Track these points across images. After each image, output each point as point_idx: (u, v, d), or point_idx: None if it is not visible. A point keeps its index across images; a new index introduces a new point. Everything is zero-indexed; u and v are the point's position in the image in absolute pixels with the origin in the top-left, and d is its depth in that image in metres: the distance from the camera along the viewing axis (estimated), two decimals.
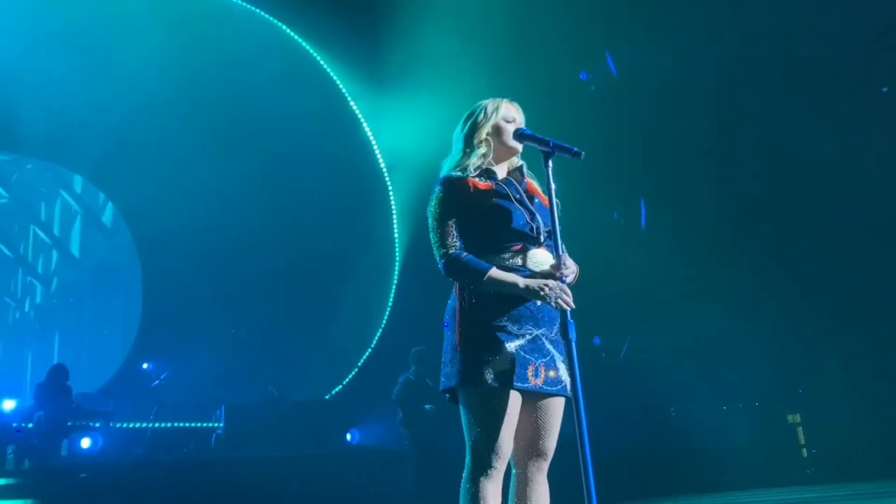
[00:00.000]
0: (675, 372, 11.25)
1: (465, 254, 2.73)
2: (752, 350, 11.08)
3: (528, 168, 3.06)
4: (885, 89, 11.19)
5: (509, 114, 2.95)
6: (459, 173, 2.87)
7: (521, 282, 2.68)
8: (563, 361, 2.76)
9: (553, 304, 2.64)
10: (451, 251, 2.74)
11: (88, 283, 18.01)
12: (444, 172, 2.91)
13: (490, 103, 2.96)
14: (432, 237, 2.81)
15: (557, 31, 11.58)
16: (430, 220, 2.84)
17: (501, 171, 2.95)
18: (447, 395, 2.84)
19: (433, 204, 2.83)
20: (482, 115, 2.93)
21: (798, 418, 11.98)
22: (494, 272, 2.68)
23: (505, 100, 2.99)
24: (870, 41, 10.71)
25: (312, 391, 11.61)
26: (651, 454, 10.98)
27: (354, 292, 12.19)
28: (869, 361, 10.94)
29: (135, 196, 12.75)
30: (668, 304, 11.14)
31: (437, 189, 2.84)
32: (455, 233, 2.76)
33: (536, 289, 2.65)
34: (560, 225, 2.72)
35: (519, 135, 2.90)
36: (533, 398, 2.74)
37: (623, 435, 10.91)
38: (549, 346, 2.75)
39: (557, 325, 2.77)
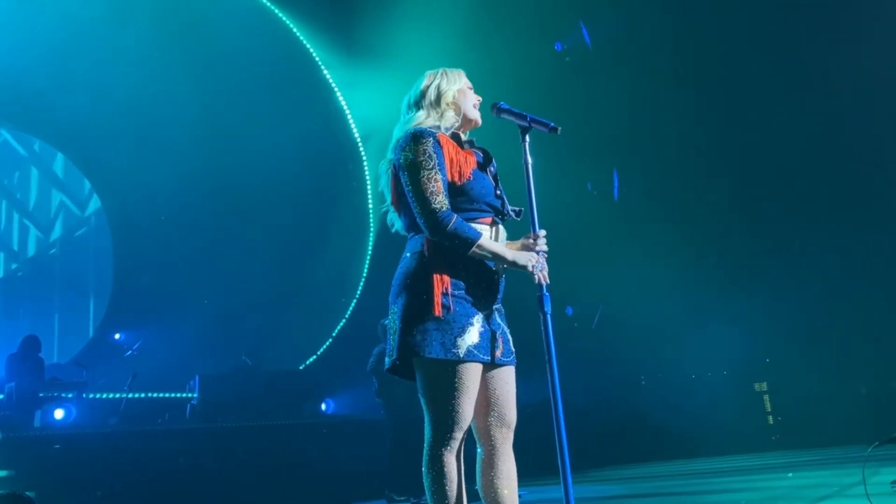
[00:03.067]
0: (645, 341, 11.43)
1: (455, 215, 2.61)
2: (721, 320, 11.27)
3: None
4: None
5: (469, 82, 2.91)
6: (433, 130, 2.74)
7: (510, 254, 2.68)
8: (509, 333, 2.80)
9: (536, 277, 2.67)
10: (443, 210, 2.60)
11: (59, 252, 17.79)
12: (404, 132, 2.75)
13: (449, 70, 2.89)
14: (413, 191, 2.63)
15: (533, 1, 11.54)
16: (408, 174, 2.65)
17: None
18: (397, 364, 2.68)
19: (412, 156, 2.65)
20: (445, 80, 2.85)
21: (765, 386, 12.27)
22: (485, 240, 2.63)
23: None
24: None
25: (287, 361, 11.63)
26: (621, 422, 11.20)
27: (329, 263, 12.20)
28: (833, 332, 11.19)
29: (106, 165, 12.58)
30: (640, 275, 11.27)
31: (415, 141, 2.66)
32: (443, 190, 2.62)
33: (525, 262, 2.67)
34: (535, 199, 2.73)
35: (497, 109, 2.86)
36: (487, 369, 2.71)
37: (594, 403, 11.11)
38: (499, 320, 2.77)
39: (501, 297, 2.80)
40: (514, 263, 2.67)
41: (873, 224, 10.98)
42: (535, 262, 2.67)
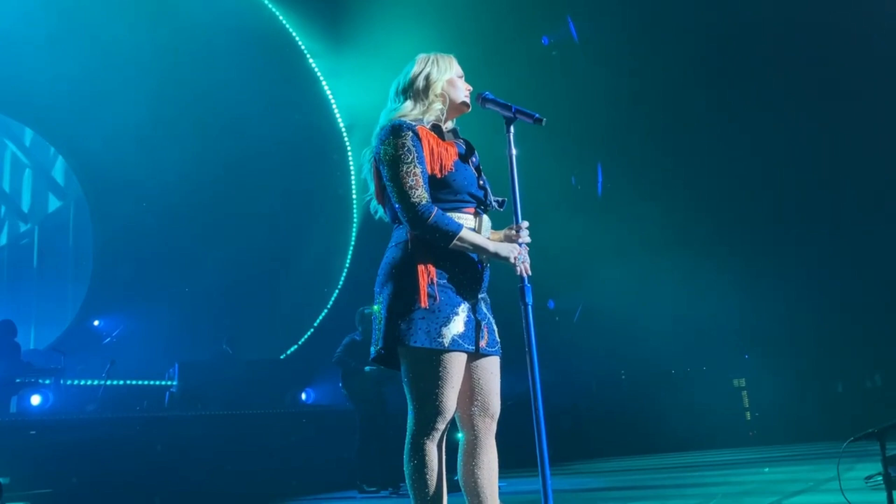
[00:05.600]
0: (625, 336, 11.48)
1: (436, 208, 2.61)
2: (701, 316, 11.33)
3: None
4: None
5: (460, 69, 2.90)
6: (414, 122, 2.73)
7: (492, 245, 2.68)
8: (494, 323, 2.80)
9: (518, 268, 2.67)
10: (422, 203, 2.59)
11: (38, 238, 17.58)
12: (386, 122, 2.74)
13: (440, 57, 2.87)
14: (393, 185, 2.63)
15: None
16: (387, 168, 2.65)
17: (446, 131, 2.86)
18: (382, 353, 2.67)
19: (391, 150, 2.65)
20: (435, 69, 2.83)
21: (743, 382, 12.37)
22: (466, 233, 2.64)
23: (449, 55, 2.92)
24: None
25: (268, 350, 11.58)
26: (600, 415, 11.27)
27: (311, 252, 12.15)
28: (811, 330, 11.30)
29: (87, 151, 12.40)
30: (622, 269, 11.32)
31: (394, 135, 2.66)
32: (423, 183, 2.62)
33: (507, 254, 2.67)
34: (519, 190, 2.72)
35: (482, 99, 2.85)
36: (471, 359, 2.71)
37: (574, 397, 11.17)
38: (485, 309, 2.77)
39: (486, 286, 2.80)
40: (496, 255, 2.68)
41: (853, 223, 11.07)
42: (517, 253, 2.68)
